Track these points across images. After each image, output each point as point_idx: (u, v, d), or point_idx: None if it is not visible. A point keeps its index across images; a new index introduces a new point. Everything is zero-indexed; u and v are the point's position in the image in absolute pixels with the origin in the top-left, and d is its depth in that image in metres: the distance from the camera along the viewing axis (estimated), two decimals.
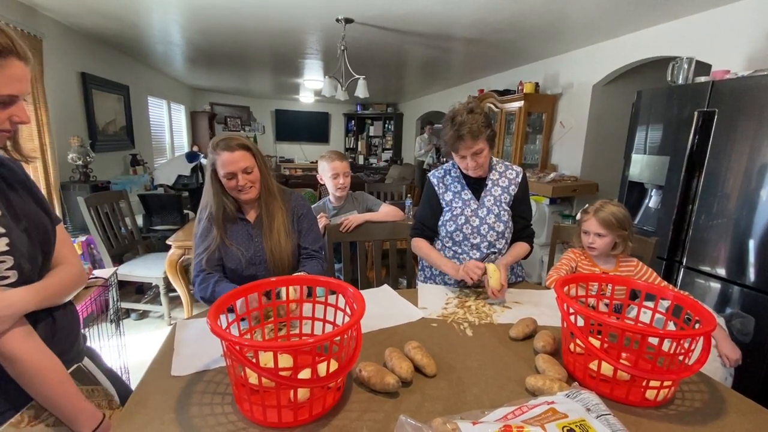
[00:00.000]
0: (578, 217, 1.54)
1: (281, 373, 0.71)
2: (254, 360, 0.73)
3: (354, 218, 1.85)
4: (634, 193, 2.43)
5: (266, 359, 0.83)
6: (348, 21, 2.91)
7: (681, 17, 2.63)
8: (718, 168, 1.88)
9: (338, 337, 0.74)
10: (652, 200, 2.33)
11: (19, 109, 0.71)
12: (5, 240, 0.71)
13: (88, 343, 1.01)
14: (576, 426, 0.59)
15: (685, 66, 2.19)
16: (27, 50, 0.71)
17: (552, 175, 3.59)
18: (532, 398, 0.69)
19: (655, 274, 1.45)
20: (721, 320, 1.39)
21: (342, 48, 3.09)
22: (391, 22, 2.97)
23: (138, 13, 2.98)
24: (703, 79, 2.07)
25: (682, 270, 2.07)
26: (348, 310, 0.92)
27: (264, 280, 0.93)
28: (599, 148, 3.64)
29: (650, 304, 1.02)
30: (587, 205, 1.51)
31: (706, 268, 1.95)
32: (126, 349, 2.00)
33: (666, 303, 1.01)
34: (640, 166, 2.33)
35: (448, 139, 1.39)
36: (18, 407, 0.76)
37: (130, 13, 2.98)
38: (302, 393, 0.76)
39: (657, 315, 1.02)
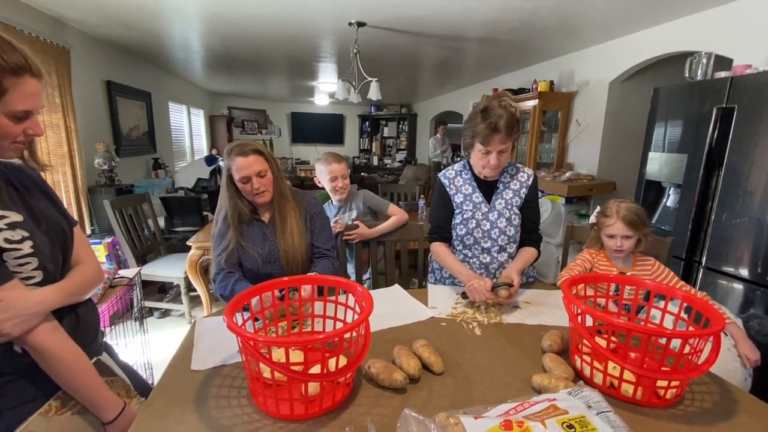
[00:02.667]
0: (592, 219, 1.51)
1: (293, 367, 0.75)
2: (268, 355, 0.76)
3: (359, 233, 1.84)
4: (652, 192, 2.39)
5: (279, 355, 0.86)
6: (360, 24, 2.95)
7: (701, 11, 2.56)
8: (739, 165, 1.83)
9: (347, 334, 0.77)
10: (670, 199, 2.29)
11: (33, 123, 0.75)
12: (29, 243, 0.76)
13: (112, 340, 1.08)
14: (576, 422, 0.61)
15: (704, 61, 2.14)
16: (39, 66, 0.74)
17: (567, 174, 3.54)
18: (536, 395, 0.71)
19: (671, 273, 1.43)
20: (738, 321, 1.37)
21: (355, 51, 3.13)
22: (403, 24, 2.99)
23: (160, 23, 3.10)
24: (723, 74, 2.03)
25: (701, 270, 2.02)
26: (357, 309, 0.95)
27: (277, 279, 0.98)
28: (616, 146, 3.57)
29: (667, 305, 1.01)
30: (599, 208, 1.49)
31: (727, 269, 1.91)
32: (149, 345, 2.09)
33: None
34: (658, 164, 2.29)
35: (481, 130, 1.31)
36: (48, 395, 0.82)
37: (152, 24, 3.10)
38: (313, 387, 0.79)
39: (668, 315, 1.01)
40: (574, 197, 3.51)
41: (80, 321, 0.89)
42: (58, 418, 0.81)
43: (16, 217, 0.76)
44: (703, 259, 2.01)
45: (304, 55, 4.18)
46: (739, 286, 1.87)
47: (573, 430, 0.59)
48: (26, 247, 0.76)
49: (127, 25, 3.15)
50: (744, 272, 1.84)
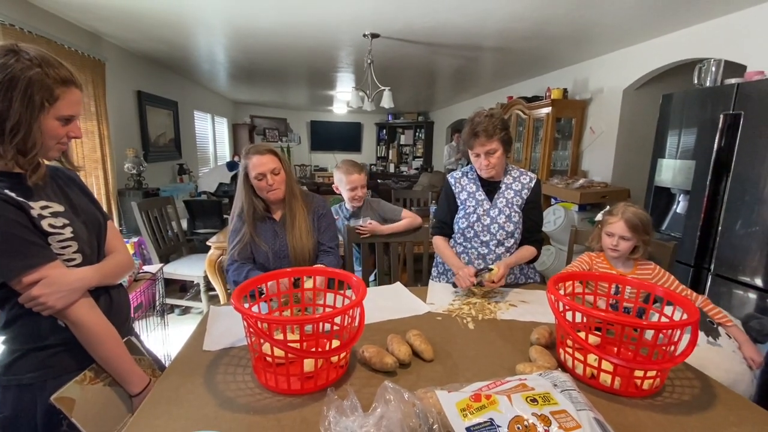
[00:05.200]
0: (598, 218, 1.55)
1: (290, 344, 0.83)
2: (268, 333, 0.85)
3: (372, 228, 1.90)
4: (662, 199, 2.38)
5: (280, 336, 0.95)
6: (374, 36, 3.07)
7: (715, 18, 2.56)
8: (746, 172, 1.83)
9: (338, 318, 0.85)
10: (680, 206, 2.28)
11: (74, 127, 0.88)
12: (70, 228, 0.88)
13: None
14: (540, 397, 0.67)
15: (713, 68, 2.15)
16: (80, 81, 0.88)
17: (581, 181, 3.54)
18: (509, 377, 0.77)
19: (672, 278, 1.44)
20: (737, 322, 1.37)
21: (369, 61, 3.25)
22: (416, 35, 3.09)
23: (187, 37, 3.31)
24: (733, 80, 2.03)
25: (710, 277, 2.00)
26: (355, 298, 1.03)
27: (283, 270, 1.07)
28: (631, 153, 3.55)
29: (664, 306, 1.03)
30: (607, 207, 1.53)
31: (736, 276, 1.89)
32: (169, 339, 2.22)
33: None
34: (667, 170, 2.29)
35: (465, 136, 1.52)
36: (75, 372, 0.91)
37: (181, 38, 3.31)
38: (308, 365, 0.87)
39: (653, 313, 1.05)
40: (588, 204, 3.49)
41: (113, 302, 1.00)
42: (92, 387, 0.91)
43: (58, 207, 0.88)
44: (712, 266, 2.00)
45: (323, 66, 4.34)
46: (748, 294, 1.85)
47: (536, 403, 0.65)
48: (67, 232, 0.87)
49: (157, 39, 3.37)
50: (753, 279, 1.82)
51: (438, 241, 1.68)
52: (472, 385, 0.74)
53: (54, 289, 0.81)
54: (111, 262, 0.99)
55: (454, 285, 1.53)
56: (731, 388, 1.15)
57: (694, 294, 1.40)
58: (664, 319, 0.99)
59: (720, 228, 1.95)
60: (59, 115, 0.82)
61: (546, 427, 0.61)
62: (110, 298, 0.99)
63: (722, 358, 1.21)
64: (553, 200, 3.80)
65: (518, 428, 0.61)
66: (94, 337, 0.89)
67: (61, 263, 0.86)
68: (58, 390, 0.86)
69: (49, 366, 0.88)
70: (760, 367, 1.27)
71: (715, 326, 1.31)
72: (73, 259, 0.89)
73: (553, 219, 3.50)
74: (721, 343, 1.26)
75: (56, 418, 0.86)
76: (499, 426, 0.62)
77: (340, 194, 2.11)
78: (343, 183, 2.01)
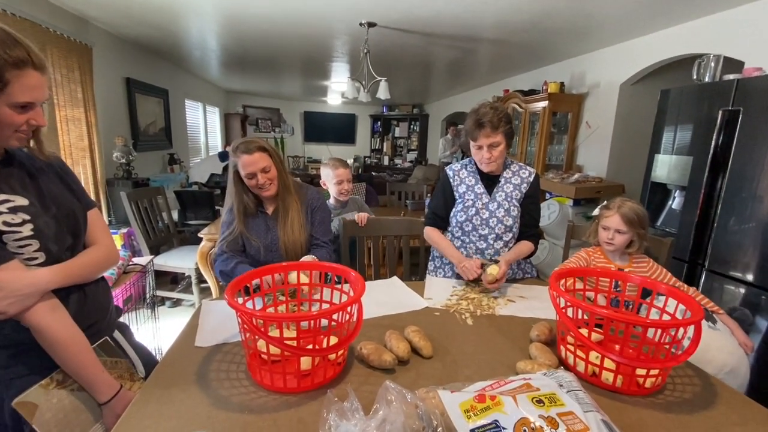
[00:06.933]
0: (596, 212, 1.55)
1: (286, 342, 0.80)
2: (263, 330, 0.82)
3: (363, 216, 1.96)
4: (657, 194, 2.38)
5: (275, 333, 0.92)
6: (371, 25, 3.01)
7: (713, 13, 2.55)
8: (743, 168, 1.83)
9: (337, 314, 0.83)
10: (676, 201, 2.28)
11: (36, 114, 0.78)
12: (30, 226, 0.80)
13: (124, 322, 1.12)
14: (545, 398, 0.65)
15: (712, 64, 2.13)
16: (43, 60, 0.76)
17: (576, 176, 3.54)
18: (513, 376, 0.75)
19: (665, 271, 1.45)
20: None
21: (365, 51, 3.19)
22: (414, 25, 3.04)
23: (178, 23, 3.21)
24: (731, 77, 2.01)
25: (705, 273, 2.01)
26: (352, 293, 1.00)
27: (276, 264, 1.03)
28: (626, 148, 3.55)
29: (664, 302, 1.02)
30: (605, 201, 1.53)
31: (730, 272, 1.90)
32: (160, 332, 2.18)
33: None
34: (663, 166, 2.28)
35: (469, 127, 1.48)
36: (44, 373, 0.85)
37: (172, 23, 3.21)
38: (305, 363, 0.84)
39: (655, 309, 1.03)
40: (582, 199, 3.50)
41: (87, 300, 0.92)
42: (57, 392, 0.85)
43: (21, 201, 0.80)
44: (707, 262, 2.00)
45: (317, 55, 4.26)
46: (740, 289, 1.87)
47: (542, 404, 0.63)
48: (26, 230, 0.79)
49: (147, 24, 3.27)
50: (747, 276, 1.83)
51: (431, 233, 1.64)
52: (475, 385, 0.72)
53: (4, 294, 0.74)
54: (82, 259, 0.90)
55: (458, 276, 1.50)
56: (736, 370, 1.17)
57: (685, 286, 1.42)
58: (666, 317, 0.98)
59: (715, 224, 1.95)
60: (12, 101, 0.72)
61: (553, 430, 0.59)
62: (84, 295, 0.91)
63: (725, 341, 1.24)
64: (548, 195, 3.80)
65: (524, 430, 0.59)
66: (55, 343, 0.82)
67: (20, 263, 0.78)
68: (22, 392, 0.80)
69: (9, 366, 0.82)
70: (752, 352, 1.32)
71: (708, 313, 1.34)
72: (35, 258, 0.81)
73: (548, 213, 3.50)
74: (719, 327, 1.28)
75: (22, 420, 0.81)
76: (504, 428, 0.60)
77: (327, 190, 2.17)
78: (330, 177, 2.07)
